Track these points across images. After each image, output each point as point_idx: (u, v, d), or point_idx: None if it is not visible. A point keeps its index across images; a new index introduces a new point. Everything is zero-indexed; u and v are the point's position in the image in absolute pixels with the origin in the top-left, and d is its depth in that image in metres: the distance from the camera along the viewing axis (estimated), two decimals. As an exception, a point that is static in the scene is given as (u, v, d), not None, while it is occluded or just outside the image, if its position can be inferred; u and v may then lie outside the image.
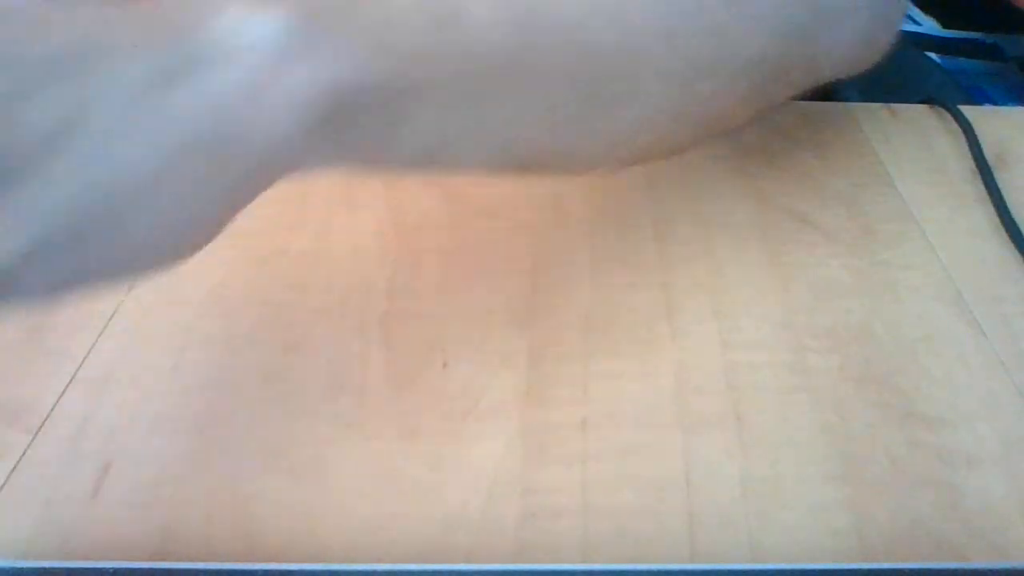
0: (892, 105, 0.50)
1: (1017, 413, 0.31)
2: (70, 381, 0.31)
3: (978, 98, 0.53)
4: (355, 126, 0.23)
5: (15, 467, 0.28)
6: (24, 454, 0.29)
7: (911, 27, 0.89)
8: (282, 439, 0.29)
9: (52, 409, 0.30)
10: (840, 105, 0.50)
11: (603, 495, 0.28)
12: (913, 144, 0.47)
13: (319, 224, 0.39)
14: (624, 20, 0.28)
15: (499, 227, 0.39)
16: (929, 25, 0.88)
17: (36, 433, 0.29)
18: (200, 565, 0.25)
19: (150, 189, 0.20)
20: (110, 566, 0.25)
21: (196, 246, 0.23)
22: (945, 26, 0.56)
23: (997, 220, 0.40)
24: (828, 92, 0.69)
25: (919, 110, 0.50)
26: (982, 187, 0.43)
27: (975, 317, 0.35)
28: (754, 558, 0.26)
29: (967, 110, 0.48)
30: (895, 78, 0.68)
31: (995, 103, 0.50)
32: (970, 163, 0.45)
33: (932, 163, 0.45)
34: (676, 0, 0.29)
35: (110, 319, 0.34)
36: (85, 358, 0.32)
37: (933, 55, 0.75)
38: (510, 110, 0.26)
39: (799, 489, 0.28)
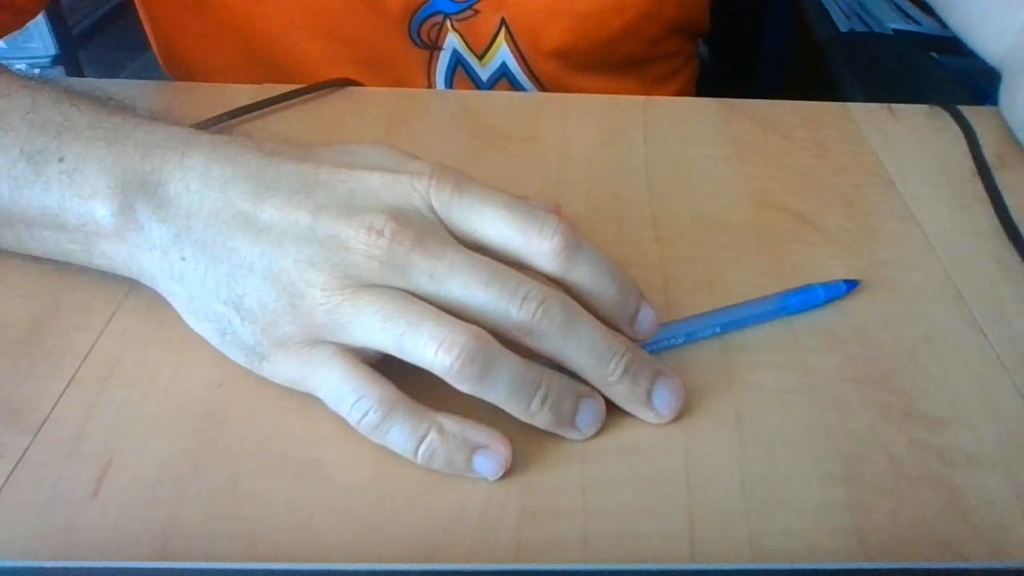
0: (892, 105, 0.50)
1: (1017, 413, 0.31)
2: (70, 381, 0.31)
3: (978, 98, 0.53)
4: None
5: (15, 467, 0.28)
6: (24, 454, 0.29)
7: (911, 27, 0.89)
8: (282, 439, 0.29)
9: (52, 409, 0.30)
10: (840, 105, 0.50)
11: (603, 495, 0.28)
12: (913, 144, 0.47)
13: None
14: None
15: (499, 227, 0.39)
16: (929, 25, 0.88)
17: (36, 433, 0.29)
18: (200, 565, 0.25)
19: None
20: (110, 566, 0.25)
21: None
22: (945, 26, 0.56)
23: (997, 220, 0.40)
24: (829, 92, 0.69)
25: (919, 110, 0.50)
26: (982, 187, 0.43)
27: (975, 317, 0.35)
28: (754, 558, 0.26)
29: (967, 110, 0.48)
30: (898, 78, 0.68)
31: (995, 103, 0.50)
32: (970, 163, 0.45)
33: (932, 163, 0.45)
34: None
35: (110, 319, 0.34)
36: (85, 358, 0.32)
37: (933, 55, 0.75)
38: None
39: (799, 489, 0.28)
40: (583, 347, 0.29)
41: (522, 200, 0.30)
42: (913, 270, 0.38)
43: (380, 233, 0.28)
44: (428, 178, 0.30)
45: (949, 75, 0.67)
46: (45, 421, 0.30)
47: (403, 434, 0.28)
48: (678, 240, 0.39)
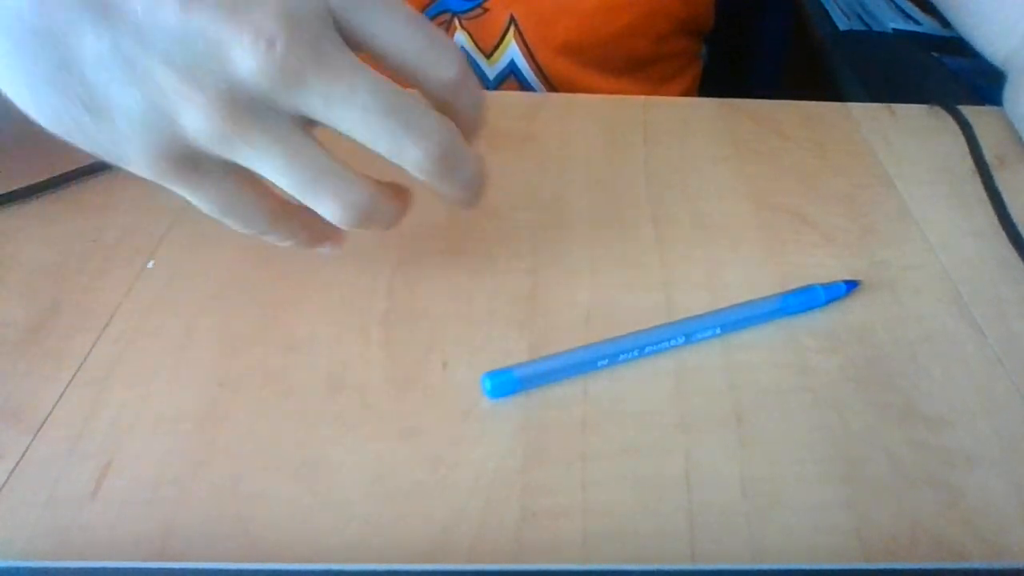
0: (892, 105, 0.50)
1: (1017, 413, 0.31)
2: (70, 381, 0.31)
3: (978, 98, 0.53)
4: None
5: (15, 467, 0.28)
6: (24, 454, 0.29)
7: (911, 27, 0.89)
8: (282, 439, 0.29)
9: (52, 409, 0.30)
10: (840, 105, 0.50)
11: (603, 495, 0.28)
12: (913, 144, 0.47)
13: (319, 224, 0.39)
14: None
15: (499, 227, 0.39)
16: (929, 25, 0.88)
17: (36, 433, 0.29)
18: (200, 565, 0.25)
19: None
20: (110, 566, 0.25)
21: None
22: (945, 26, 0.56)
23: (997, 220, 0.40)
24: (829, 91, 0.69)
25: (919, 110, 0.50)
26: (982, 187, 0.43)
27: (975, 317, 0.35)
28: (754, 558, 0.26)
29: (967, 110, 0.48)
30: (898, 77, 0.68)
31: (995, 103, 0.50)
32: (970, 163, 0.45)
33: (932, 163, 0.45)
34: None
35: (110, 319, 0.34)
36: (85, 358, 0.32)
37: (933, 55, 0.75)
38: None
39: (799, 489, 0.28)
40: (458, 182, 0.29)
41: (423, 19, 0.28)
42: (913, 270, 0.38)
43: (271, 43, 0.24)
44: None
45: (949, 75, 0.67)
46: (45, 421, 0.30)
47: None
48: (678, 240, 0.39)
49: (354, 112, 0.25)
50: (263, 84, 0.24)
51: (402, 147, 0.27)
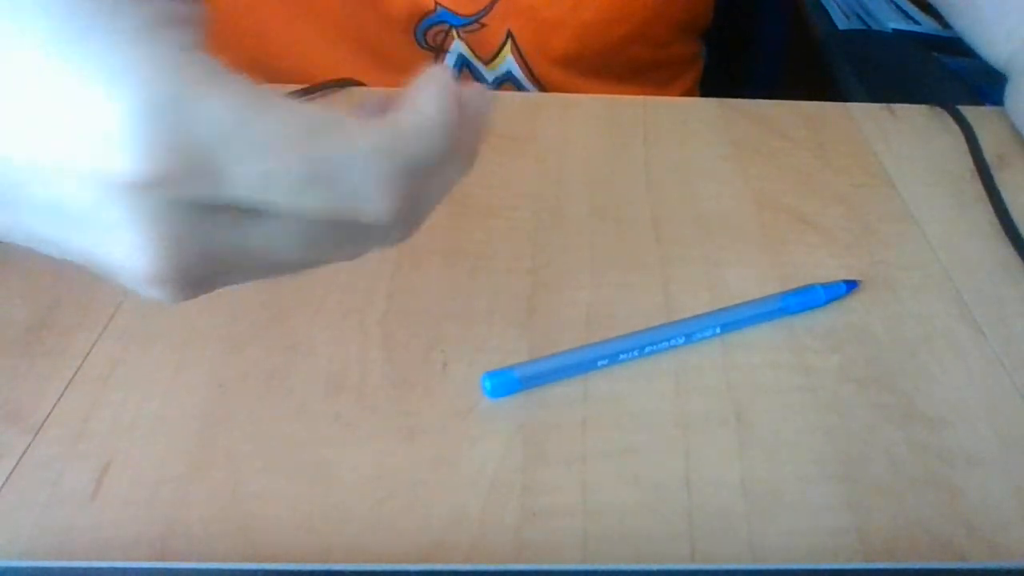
0: (892, 105, 0.50)
1: (1017, 413, 0.31)
2: (70, 381, 0.31)
3: (978, 98, 0.53)
4: None
5: (15, 467, 0.28)
6: (24, 454, 0.29)
7: (911, 27, 0.89)
8: (282, 439, 0.29)
9: (52, 409, 0.30)
10: (840, 105, 0.50)
11: (603, 495, 0.28)
12: (913, 144, 0.47)
13: (319, 224, 0.39)
14: None
15: (499, 227, 0.39)
16: (929, 25, 0.88)
17: (36, 433, 0.29)
18: (200, 565, 0.25)
19: None
20: (110, 566, 0.25)
21: None
22: (945, 26, 0.56)
23: (997, 220, 0.40)
24: (829, 91, 0.69)
25: (919, 110, 0.50)
26: (982, 187, 0.43)
27: (975, 317, 0.35)
28: (754, 558, 0.26)
29: (967, 110, 0.48)
30: (898, 77, 0.68)
31: (995, 103, 0.50)
32: (970, 163, 0.45)
33: (932, 163, 0.45)
34: None
35: (110, 319, 0.34)
36: (85, 358, 0.32)
37: (934, 55, 0.75)
38: None
39: (799, 489, 0.28)
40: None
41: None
42: (913, 270, 0.38)
43: (162, 282, 0.20)
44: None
45: (949, 75, 0.67)
46: (45, 421, 0.30)
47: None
48: (678, 240, 0.39)
49: (293, 253, 0.22)
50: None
51: (356, 249, 0.23)
